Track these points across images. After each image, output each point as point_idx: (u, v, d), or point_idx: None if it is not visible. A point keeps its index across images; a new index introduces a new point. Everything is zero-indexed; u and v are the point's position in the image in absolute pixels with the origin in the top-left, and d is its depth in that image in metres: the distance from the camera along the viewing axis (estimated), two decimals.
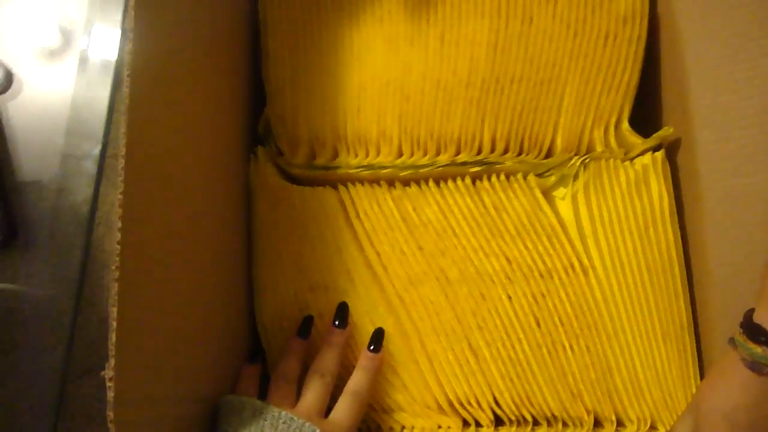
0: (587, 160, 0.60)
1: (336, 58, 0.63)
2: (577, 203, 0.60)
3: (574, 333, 0.58)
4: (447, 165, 0.61)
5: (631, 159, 0.60)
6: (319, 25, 0.63)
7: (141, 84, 0.42)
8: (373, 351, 0.57)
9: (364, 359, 0.57)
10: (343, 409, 0.53)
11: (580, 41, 0.61)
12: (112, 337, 0.39)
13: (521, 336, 0.58)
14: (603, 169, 0.59)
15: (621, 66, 0.61)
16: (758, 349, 0.43)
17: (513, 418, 0.57)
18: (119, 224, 0.40)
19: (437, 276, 0.59)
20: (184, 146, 0.50)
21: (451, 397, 0.58)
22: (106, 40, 0.73)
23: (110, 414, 0.39)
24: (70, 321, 0.66)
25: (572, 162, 0.60)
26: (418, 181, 0.61)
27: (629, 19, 0.60)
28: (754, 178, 0.52)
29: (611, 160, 0.60)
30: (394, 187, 0.61)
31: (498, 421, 0.58)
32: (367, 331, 0.59)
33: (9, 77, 0.70)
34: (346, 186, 0.61)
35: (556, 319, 0.58)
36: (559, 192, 0.62)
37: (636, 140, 0.61)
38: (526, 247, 0.59)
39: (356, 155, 0.63)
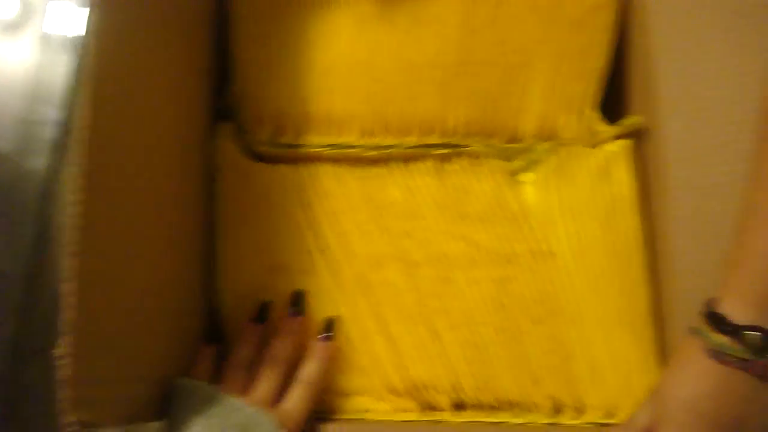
0: (554, 146, 0.60)
1: (304, 35, 0.62)
2: (542, 188, 0.60)
3: (536, 318, 0.58)
4: (414, 147, 0.60)
5: (598, 145, 0.60)
6: (288, 2, 0.62)
7: (102, 57, 0.41)
8: (324, 339, 0.56)
9: (316, 347, 0.56)
10: (295, 398, 0.53)
11: (550, 27, 0.61)
12: (65, 314, 0.38)
13: (483, 320, 0.58)
14: (570, 155, 0.60)
15: (590, 53, 0.61)
16: (720, 338, 0.44)
17: (473, 402, 0.57)
18: (74, 198, 0.39)
19: (400, 258, 0.59)
20: (145, 121, 0.50)
21: (412, 381, 0.57)
22: (66, 12, 0.71)
23: (61, 393, 0.38)
24: (20, 299, 0.64)
25: (539, 147, 0.60)
26: (383, 161, 0.61)
27: (600, 6, 0.60)
28: (719, 169, 0.52)
29: (578, 147, 0.60)
30: (360, 166, 0.61)
31: (458, 405, 0.58)
32: (327, 313, 0.58)
33: None
34: (310, 164, 0.61)
35: (519, 303, 0.58)
36: (526, 177, 0.62)
37: (604, 127, 0.61)
38: (491, 231, 0.59)
39: (322, 134, 0.62)
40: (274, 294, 0.59)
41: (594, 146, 0.60)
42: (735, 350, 0.43)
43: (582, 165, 0.59)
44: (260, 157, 0.62)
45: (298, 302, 0.58)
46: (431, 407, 0.57)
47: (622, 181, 0.59)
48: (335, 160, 0.61)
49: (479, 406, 0.57)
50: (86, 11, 0.42)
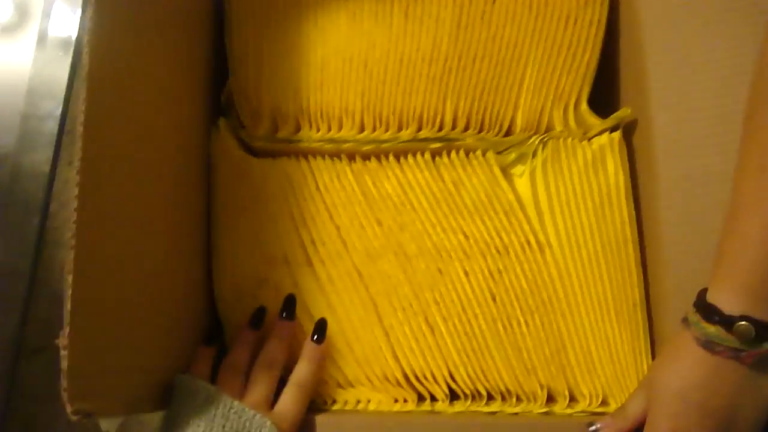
0: (546, 139, 0.60)
1: (300, 31, 0.63)
2: (534, 181, 0.60)
3: (529, 309, 0.59)
4: (408, 141, 0.61)
5: (589, 139, 0.61)
6: None
7: (101, 56, 0.42)
8: (316, 342, 0.57)
9: (308, 350, 0.57)
10: (288, 400, 0.53)
11: (541, 22, 0.61)
12: (68, 305, 0.38)
13: (477, 311, 0.58)
14: (561, 148, 0.60)
15: (581, 48, 0.61)
16: (711, 329, 0.44)
17: (468, 392, 0.58)
18: (75, 192, 0.39)
19: (395, 250, 0.59)
20: (144, 118, 0.50)
21: (407, 371, 0.58)
22: (64, 13, 0.71)
23: (64, 383, 0.38)
24: (24, 298, 0.65)
25: (531, 140, 0.61)
26: (378, 155, 0.61)
27: (590, 2, 0.61)
28: (708, 160, 0.53)
29: (569, 140, 0.60)
30: (355, 161, 0.61)
31: (453, 396, 0.58)
32: (323, 306, 0.59)
33: None
34: (307, 159, 0.61)
35: (512, 295, 0.59)
36: (518, 169, 0.62)
37: (594, 120, 0.61)
38: (484, 223, 0.60)
39: (318, 129, 0.62)
40: (272, 286, 0.60)
41: (585, 139, 0.61)
42: (726, 340, 0.43)
43: (573, 157, 0.60)
44: (257, 152, 0.63)
45: (289, 307, 0.58)
46: (427, 397, 0.58)
47: (613, 173, 0.60)
48: (331, 155, 0.61)
49: (474, 396, 0.58)
50: (83, 11, 0.42)
